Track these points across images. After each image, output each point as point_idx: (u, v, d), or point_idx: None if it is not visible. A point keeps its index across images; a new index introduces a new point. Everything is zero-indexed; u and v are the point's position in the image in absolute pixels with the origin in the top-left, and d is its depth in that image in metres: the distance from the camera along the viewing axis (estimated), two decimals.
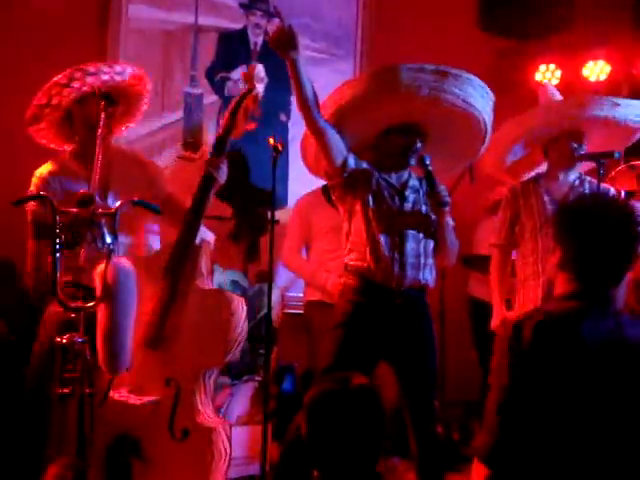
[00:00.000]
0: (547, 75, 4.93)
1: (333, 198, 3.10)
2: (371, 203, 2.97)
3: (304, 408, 1.95)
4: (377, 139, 3.05)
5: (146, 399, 2.72)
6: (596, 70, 4.97)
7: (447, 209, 2.98)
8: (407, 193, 3.03)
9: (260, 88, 3.01)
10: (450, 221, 3.04)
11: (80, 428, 2.27)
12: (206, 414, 2.79)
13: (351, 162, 2.97)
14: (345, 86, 2.99)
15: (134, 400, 2.70)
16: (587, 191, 3.45)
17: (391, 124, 3.00)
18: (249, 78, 3.00)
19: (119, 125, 3.24)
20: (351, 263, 3.01)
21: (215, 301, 2.83)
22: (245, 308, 2.87)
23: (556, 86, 4.35)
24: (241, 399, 3.68)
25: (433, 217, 3.03)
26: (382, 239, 2.95)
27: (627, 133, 3.50)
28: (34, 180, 3.01)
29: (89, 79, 2.93)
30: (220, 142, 2.96)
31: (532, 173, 3.66)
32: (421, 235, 3.01)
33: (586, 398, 1.87)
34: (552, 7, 4.99)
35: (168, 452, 2.70)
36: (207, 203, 2.86)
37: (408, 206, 3.02)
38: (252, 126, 3.04)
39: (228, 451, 2.77)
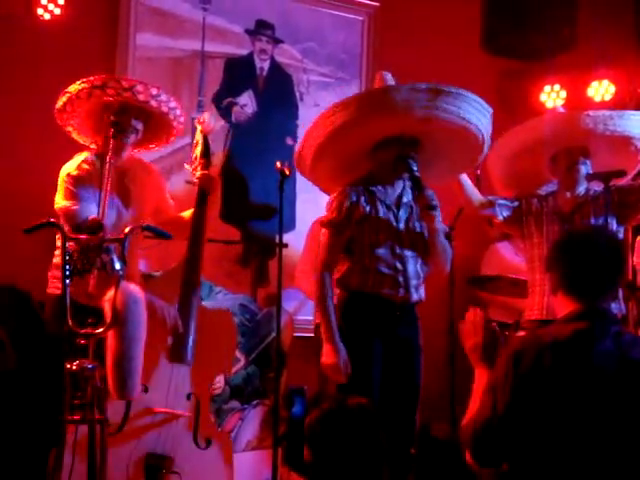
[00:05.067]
0: (552, 96, 4.94)
1: None
2: (369, 233, 3.02)
3: (305, 432, 2.00)
4: (371, 152, 3.06)
5: (175, 413, 2.96)
6: (601, 90, 4.97)
7: (436, 213, 2.95)
8: (400, 213, 3.03)
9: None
10: (441, 225, 3.02)
11: (91, 455, 2.26)
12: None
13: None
14: (333, 115, 2.99)
15: (166, 415, 2.94)
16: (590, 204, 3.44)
17: (383, 137, 3.01)
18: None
19: (146, 143, 3.41)
20: (354, 286, 3.04)
21: (222, 319, 3.27)
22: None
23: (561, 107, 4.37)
24: (251, 423, 3.67)
25: (425, 234, 3.04)
26: (384, 267, 2.98)
27: (634, 151, 3.50)
28: (64, 177, 3.10)
29: (125, 94, 3.07)
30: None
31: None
32: (417, 254, 3.03)
33: (592, 419, 1.89)
34: (556, 28, 5.01)
35: (196, 462, 2.94)
36: (205, 216, 3.15)
37: (402, 226, 3.02)
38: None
39: None
